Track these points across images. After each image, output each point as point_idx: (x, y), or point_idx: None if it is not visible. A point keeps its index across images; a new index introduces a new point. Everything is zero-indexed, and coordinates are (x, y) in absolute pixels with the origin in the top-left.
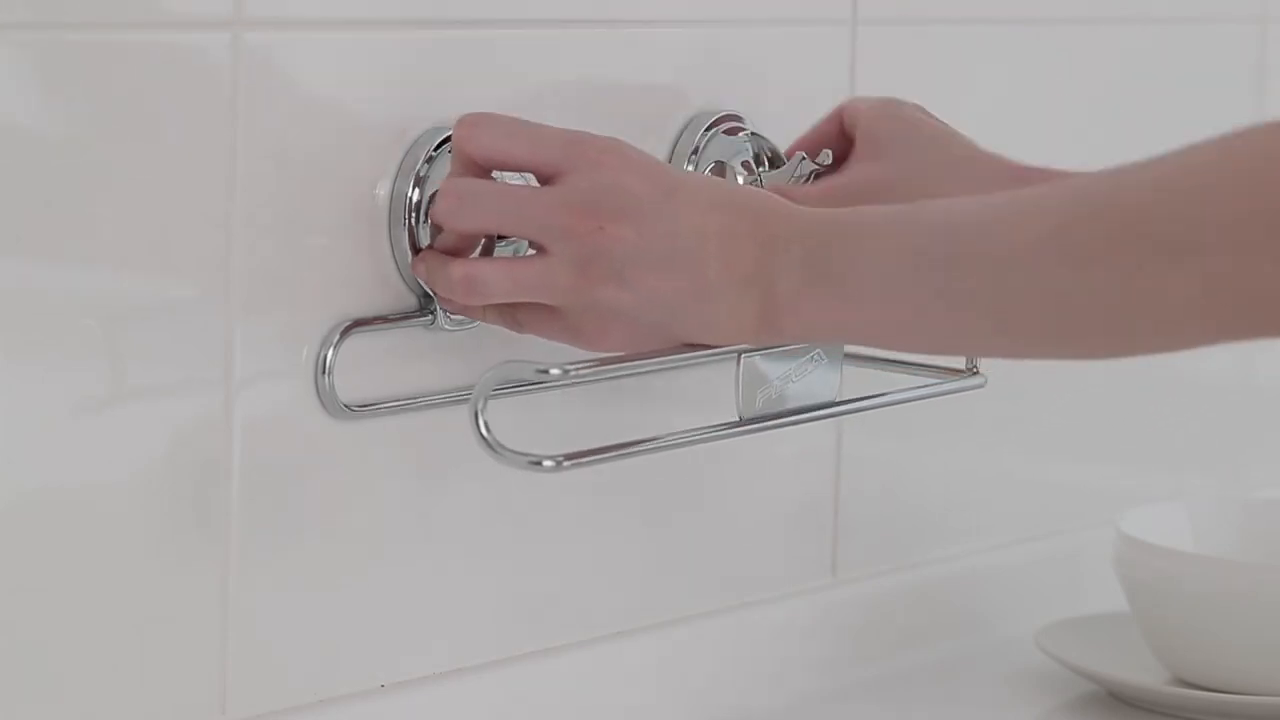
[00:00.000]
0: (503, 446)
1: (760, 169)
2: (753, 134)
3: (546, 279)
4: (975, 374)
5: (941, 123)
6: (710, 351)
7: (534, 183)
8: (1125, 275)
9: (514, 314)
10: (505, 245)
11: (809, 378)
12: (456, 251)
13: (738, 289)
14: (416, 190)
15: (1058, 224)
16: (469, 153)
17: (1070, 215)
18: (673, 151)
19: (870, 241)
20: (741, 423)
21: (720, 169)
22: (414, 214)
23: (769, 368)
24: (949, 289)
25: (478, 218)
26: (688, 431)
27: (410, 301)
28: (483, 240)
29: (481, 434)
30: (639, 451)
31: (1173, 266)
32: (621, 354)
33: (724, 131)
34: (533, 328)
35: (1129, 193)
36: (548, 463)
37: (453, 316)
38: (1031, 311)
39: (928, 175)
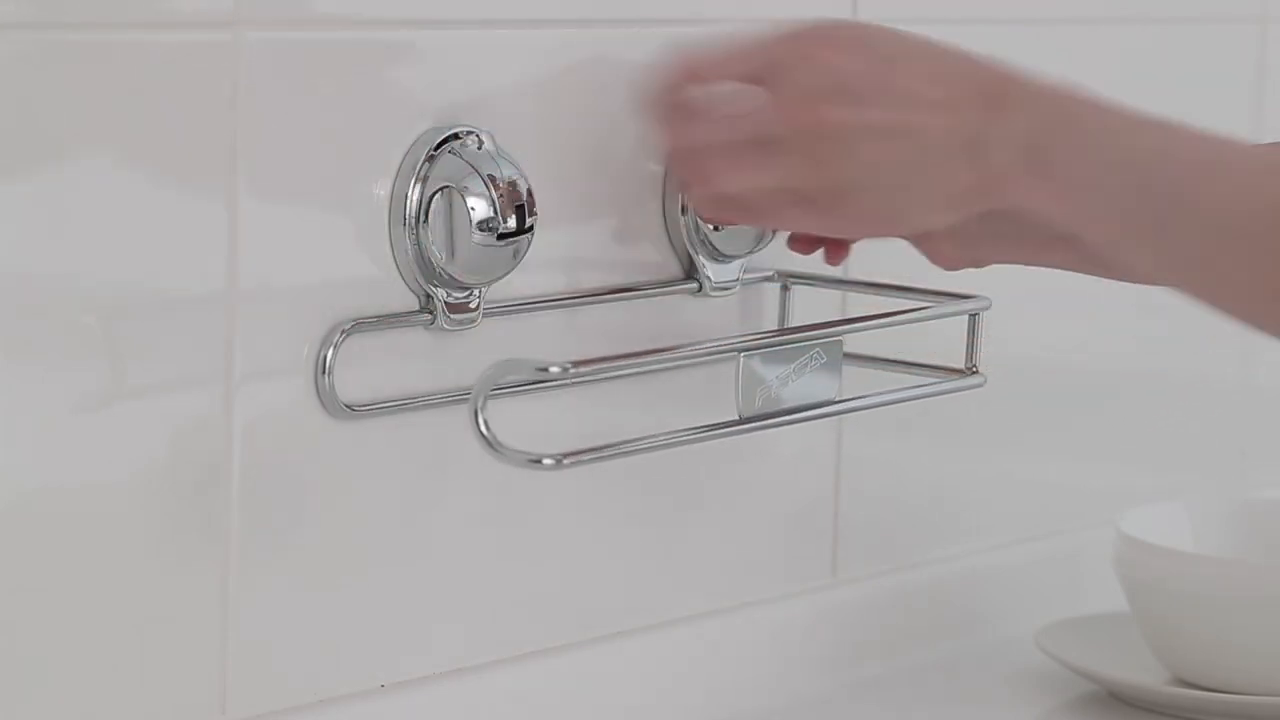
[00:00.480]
0: (502, 445)
1: None
2: None
3: (783, 177)
4: (975, 373)
5: None
6: (710, 351)
7: None
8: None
9: (759, 211)
10: None
11: (808, 377)
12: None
13: (958, 155)
14: (417, 190)
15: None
16: (681, 71)
17: None
18: None
19: (1095, 149)
20: (741, 422)
21: None
22: (414, 214)
23: (768, 367)
24: (1163, 229)
25: (700, 134)
26: (687, 430)
27: (410, 301)
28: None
29: (481, 432)
30: (639, 450)
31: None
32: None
33: None
34: (776, 219)
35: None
36: (547, 461)
37: (453, 316)
38: (1233, 278)
39: None
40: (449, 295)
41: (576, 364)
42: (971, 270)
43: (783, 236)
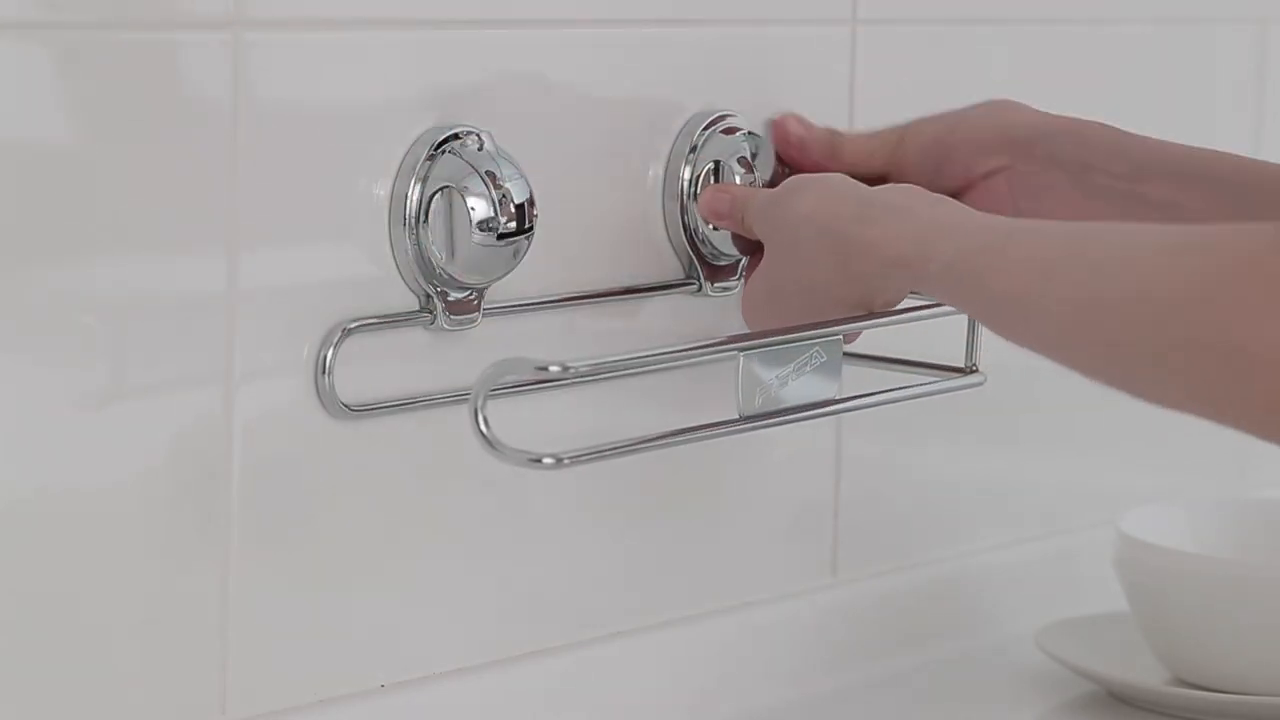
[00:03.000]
0: (502, 444)
1: (755, 169)
2: (749, 133)
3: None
4: (974, 372)
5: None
6: (710, 350)
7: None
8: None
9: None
10: None
11: (808, 376)
12: None
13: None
14: (417, 190)
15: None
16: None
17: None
18: (671, 150)
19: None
20: (741, 421)
21: (717, 168)
22: (414, 214)
23: (768, 367)
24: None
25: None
26: (687, 429)
27: (410, 301)
28: None
29: (481, 431)
30: (639, 449)
31: (1236, 381)
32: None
33: (722, 131)
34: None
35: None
36: (547, 460)
37: (453, 316)
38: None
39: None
40: (449, 295)
41: (576, 363)
42: None
43: None
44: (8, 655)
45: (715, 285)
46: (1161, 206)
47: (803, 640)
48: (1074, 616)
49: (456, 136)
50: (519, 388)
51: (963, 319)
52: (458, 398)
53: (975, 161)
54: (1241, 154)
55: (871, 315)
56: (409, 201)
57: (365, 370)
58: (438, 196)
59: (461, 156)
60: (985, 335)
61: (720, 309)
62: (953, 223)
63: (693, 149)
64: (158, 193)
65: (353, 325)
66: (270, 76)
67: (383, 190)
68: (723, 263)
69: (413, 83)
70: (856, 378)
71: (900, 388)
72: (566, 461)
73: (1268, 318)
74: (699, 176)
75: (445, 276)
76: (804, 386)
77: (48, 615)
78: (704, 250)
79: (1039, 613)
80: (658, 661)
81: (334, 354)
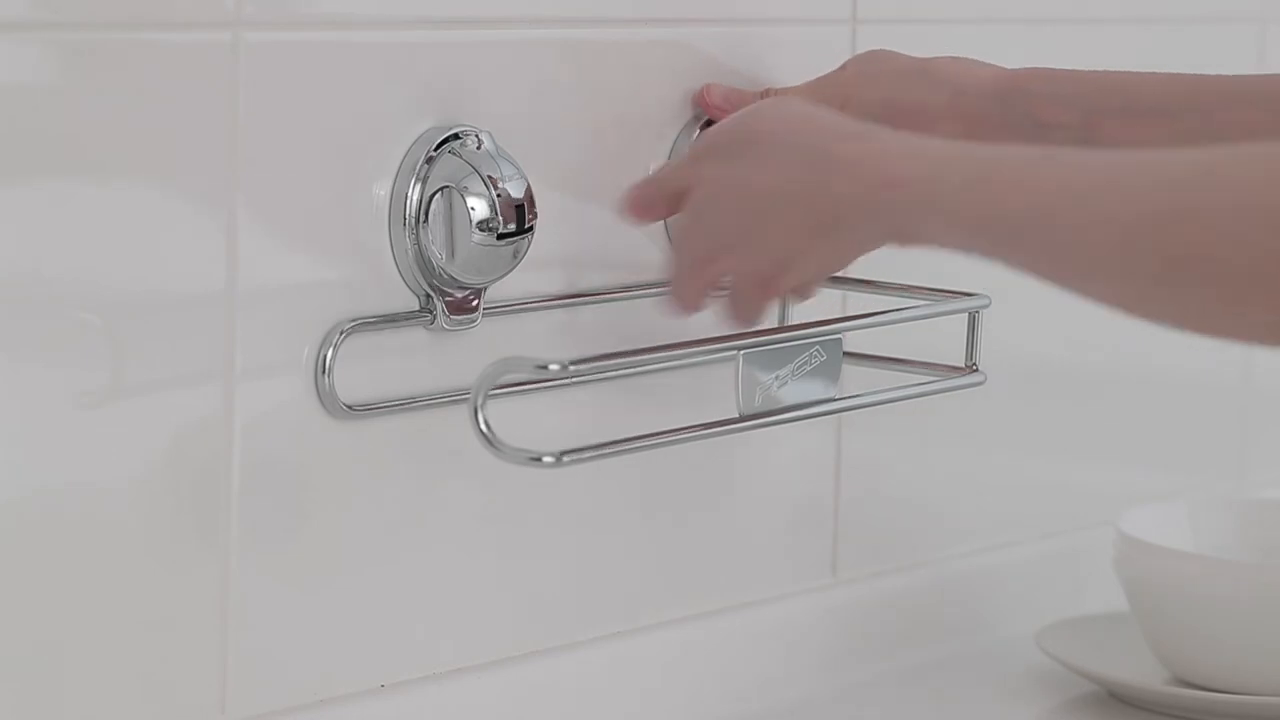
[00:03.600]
0: (502, 442)
1: None
2: None
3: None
4: (974, 371)
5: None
6: (710, 350)
7: None
8: (1202, 295)
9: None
10: None
11: (808, 375)
12: None
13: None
14: (417, 190)
15: (1131, 236)
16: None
17: (1142, 232)
18: (672, 150)
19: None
20: (741, 420)
21: None
22: (414, 214)
23: (768, 366)
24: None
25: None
26: (687, 428)
27: (410, 301)
28: None
29: (481, 430)
30: (639, 448)
31: (1254, 294)
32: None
33: None
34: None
35: (1206, 211)
36: (547, 458)
37: (453, 316)
38: (1100, 294)
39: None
40: (449, 295)
41: (576, 362)
42: (972, 269)
43: None
44: (7, 655)
45: None
46: (1123, 145)
47: (803, 640)
48: (1074, 616)
49: (456, 136)
50: (519, 387)
51: (963, 319)
52: (458, 397)
53: (930, 130)
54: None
55: (865, 284)
56: (409, 201)
57: (365, 370)
58: (438, 196)
59: (461, 156)
60: (985, 335)
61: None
62: (960, 147)
63: None
64: (158, 192)
65: (353, 325)
66: (270, 76)
67: (383, 190)
68: None
69: (413, 83)
70: (856, 378)
71: (900, 387)
72: (566, 460)
73: None
74: None
75: (445, 276)
76: (804, 386)
77: (47, 615)
78: None
79: (1039, 613)
80: (658, 661)
81: (334, 354)
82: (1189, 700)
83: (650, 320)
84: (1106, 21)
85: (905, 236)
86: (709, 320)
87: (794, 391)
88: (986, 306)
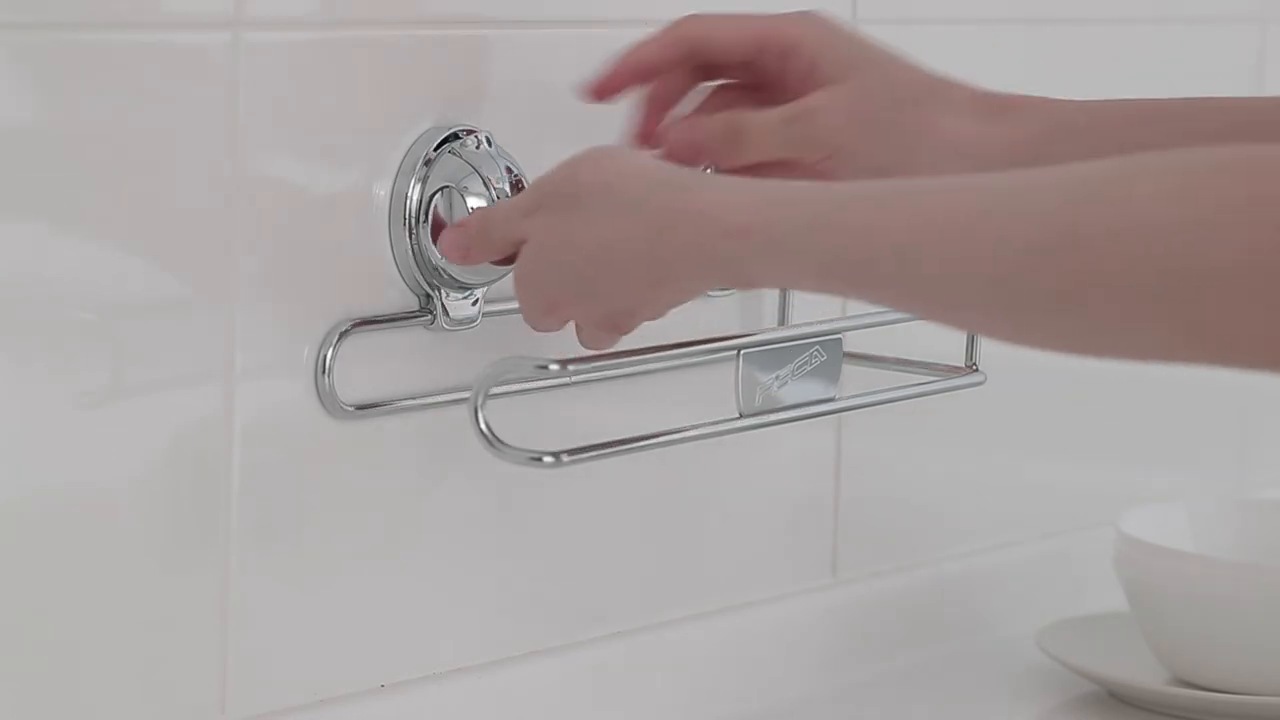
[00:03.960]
0: (502, 442)
1: None
2: None
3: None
4: (975, 371)
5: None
6: (710, 350)
7: None
8: (1097, 320)
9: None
10: None
11: (808, 375)
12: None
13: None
14: (417, 190)
15: (1015, 269)
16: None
17: (1029, 263)
18: None
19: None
20: (741, 420)
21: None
22: (414, 214)
23: (768, 366)
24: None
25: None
26: (687, 428)
27: (410, 301)
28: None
29: (481, 429)
30: (639, 447)
31: (1152, 312)
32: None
33: None
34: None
35: (1094, 236)
36: (548, 458)
37: (453, 317)
38: (962, 324)
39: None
40: (449, 295)
41: (575, 362)
42: None
43: None
44: (7, 655)
45: None
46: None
47: (803, 640)
48: (1074, 616)
49: (456, 136)
50: (519, 387)
51: None
52: (458, 397)
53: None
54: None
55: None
56: (409, 201)
57: (365, 370)
58: (438, 196)
59: (461, 156)
60: None
61: (720, 309)
62: (807, 189)
63: None
64: (157, 192)
65: (352, 325)
66: (270, 76)
67: (383, 190)
68: None
69: (412, 83)
70: (856, 378)
71: (900, 387)
72: (566, 460)
73: None
74: None
75: (445, 276)
76: (803, 386)
77: (47, 615)
78: None
79: (1039, 613)
80: (658, 661)
81: (334, 354)
82: (1189, 700)
83: (650, 320)
84: (1106, 21)
85: (748, 282)
86: (710, 321)
87: (794, 391)
88: None
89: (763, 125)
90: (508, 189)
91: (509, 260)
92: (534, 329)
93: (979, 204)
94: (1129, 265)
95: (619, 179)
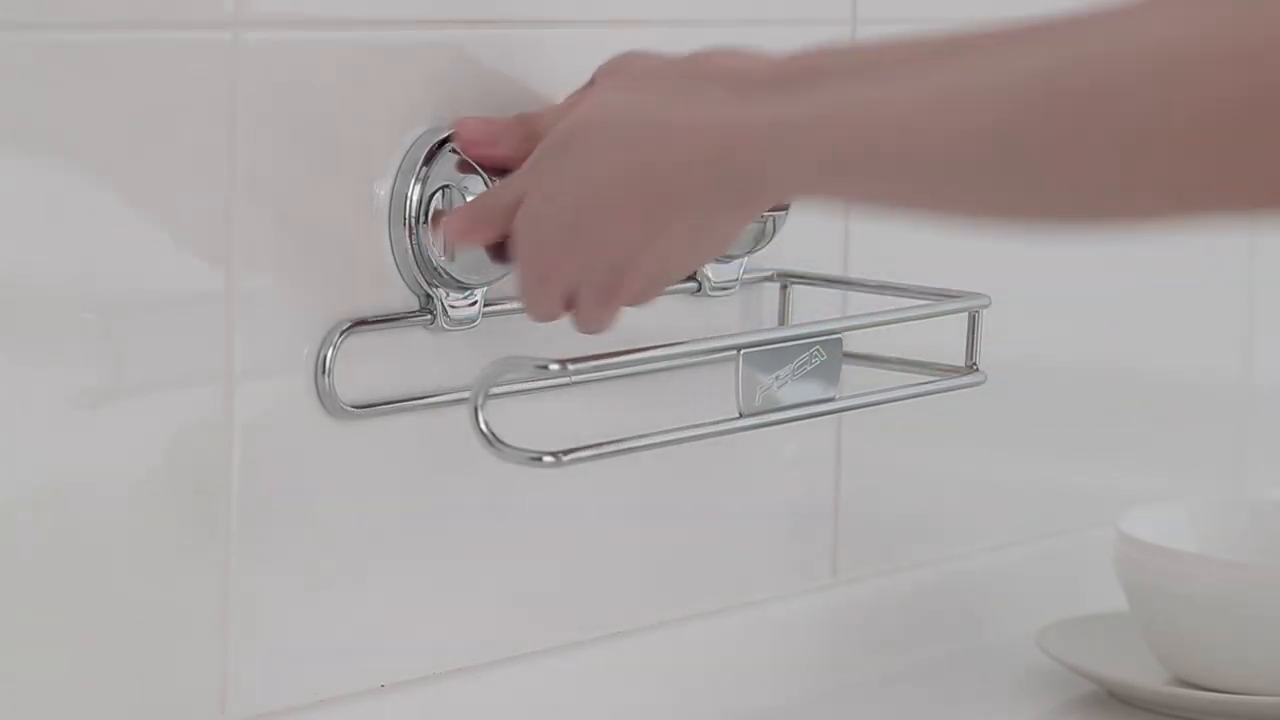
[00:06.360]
0: (502, 442)
1: None
2: None
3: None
4: (975, 371)
5: None
6: (710, 351)
7: None
8: (1078, 172)
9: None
10: None
11: (808, 375)
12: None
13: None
14: (417, 190)
15: (995, 120)
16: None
17: (1008, 110)
18: None
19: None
20: (741, 420)
21: None
22: (414, 214)
23: (768, 367)
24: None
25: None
26: (687, 428)
27: (410, 301)
28: None
29: (481, 429)
30: (639, 447)
31: (1138, 158)
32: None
33: None
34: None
35: (1076, 77)
36: (547, 458)
37: (453, 317)
38: (969, 206)
39: None
40: (449, 295)
41: (575, 361)
42: (971, 268)
43: (779, 237)
44: (7, 655)
45: (714, 285)
46: None
47: (803, 640)
48: (1074, 616)
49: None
50: (519, 387)
51: (963, 319)
52: (458, 397)
53: None
54: None
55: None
56: (409, 201)
57: (365, 370)
58: (438, 196)
59: (461, 156)
60: (985, 335)
61: (720, 309)
62: (802, 85)
63: None
64: (157, 192)
65: (352, 325)
66: (270, 76)
67: (383, 190)
68: (724, 262)
69: (412, 83)
70: (856, 378)
71: (900, 387)
72: (566, 460)
73: None
74: None
75: (445, 276)
76: (803, 386)
77: (47, 614)
78: None
79: (1039, 613)
80: (658, 661)
81: (334, 354)
82: (1189, 700)
83: (651, 321)
84: None
85: (751, 196)
86: (710, 321)
87: (794, 391)
88: (986, 306)
89: (552, 116)
90: None
91: (508, 258)
92: (533, 315)
93: (964, 76)
94: (1125, 103)
95: (625, 104)
